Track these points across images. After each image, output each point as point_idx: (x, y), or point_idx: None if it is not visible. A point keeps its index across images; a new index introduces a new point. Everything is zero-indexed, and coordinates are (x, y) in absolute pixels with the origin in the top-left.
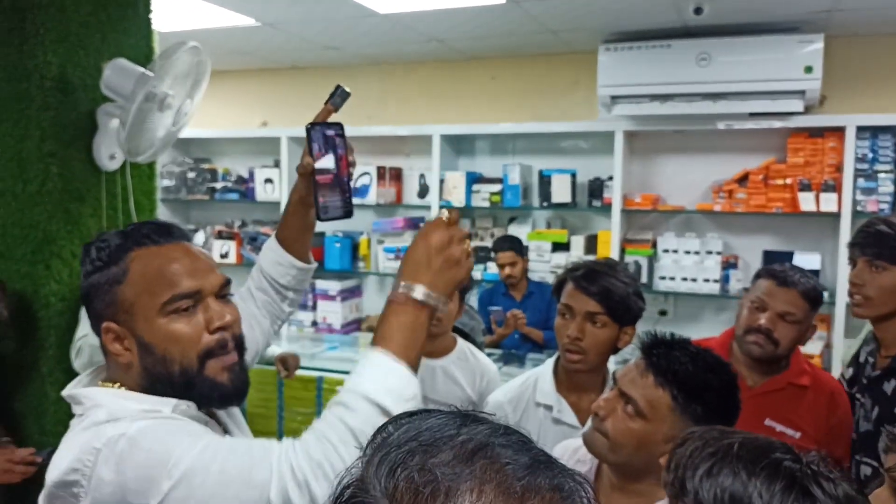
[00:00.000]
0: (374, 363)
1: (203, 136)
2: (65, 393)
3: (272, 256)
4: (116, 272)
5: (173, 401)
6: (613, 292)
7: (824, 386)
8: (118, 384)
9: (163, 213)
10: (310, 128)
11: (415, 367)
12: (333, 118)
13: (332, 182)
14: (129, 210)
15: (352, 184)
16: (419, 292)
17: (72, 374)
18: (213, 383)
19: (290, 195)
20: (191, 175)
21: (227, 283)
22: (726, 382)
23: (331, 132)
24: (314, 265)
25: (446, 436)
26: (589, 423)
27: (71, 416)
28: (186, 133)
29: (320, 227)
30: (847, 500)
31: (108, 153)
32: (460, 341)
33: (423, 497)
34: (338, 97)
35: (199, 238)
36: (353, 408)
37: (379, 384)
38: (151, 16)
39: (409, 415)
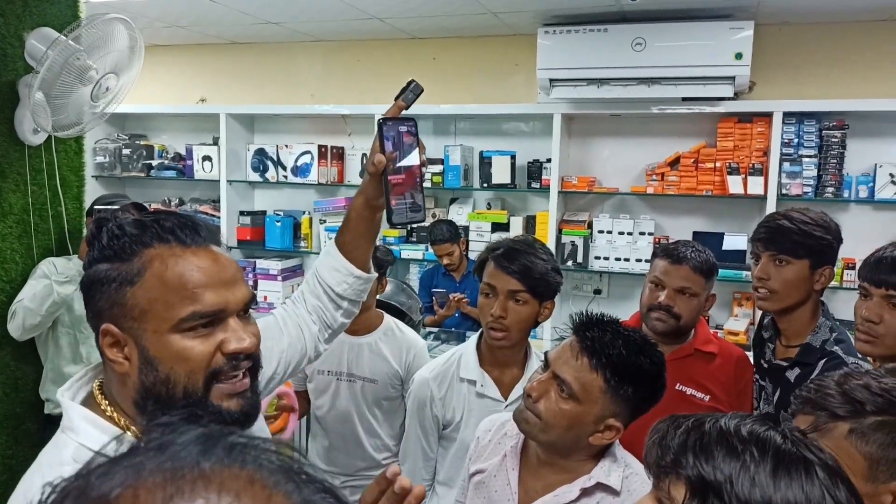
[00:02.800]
0: None
1: (139, 112)
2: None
3: (330, 262)
4: (130, 270)
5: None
6: (533, 270)
7: (731, 353)
8: (107, 402)
9: (95, 190)
10: (382, 122)
11: None
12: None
13: (404, 183)
14: (56, 186)
15: (425, 185)
16: None
17: None
18: (218, 410)
19: (354, 198)
20: (126, 151)
21: (253, 298)
22: (656, 364)
23: (404, 128)
24: (374, 275)
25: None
26: (513, 398)
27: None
28: (121, 108)
29: (260, 204)
30: (835, 463)
31: (31, 126)
32: (386, 317)
33: None
34: (410, 93)
35: None
36: None
37: None
38: None
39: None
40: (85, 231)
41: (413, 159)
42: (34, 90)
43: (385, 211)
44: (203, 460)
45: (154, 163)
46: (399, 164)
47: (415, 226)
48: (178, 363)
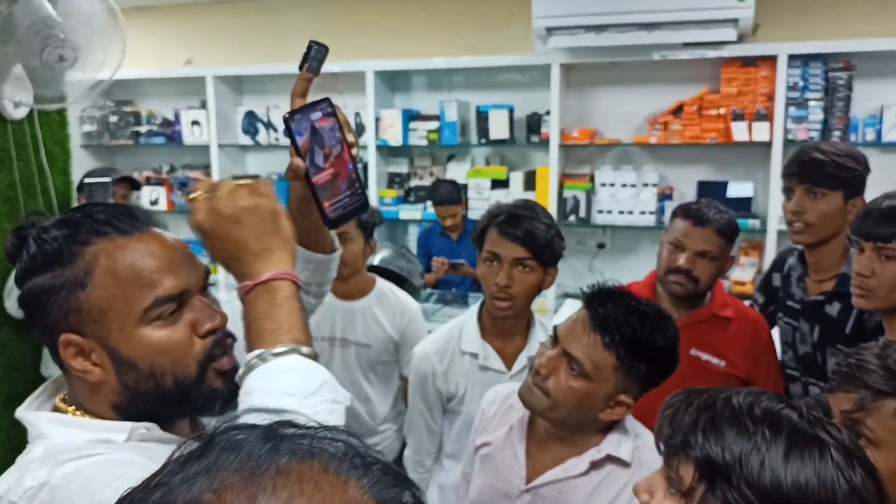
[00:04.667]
0: (262, 370)
1: (124, 77)
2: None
3: None
4: (75, 273)
5: (129, 424)
6: (538, 236)
7: (747, 316)
8: (74, 408)
9: (85, 160)
10: (287, 117)
11: (308, 342)
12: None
13: (334, 176)
14: (41, 161)
15: (358, 166)
16: (287, 274)
17: None
18: (212, 391)
19: (288, 200)
20: (113, 119)
21: (208, 272)
22: (670, 339)
23: (316, 114)
24: (337, 252)
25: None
26: (517, 369)
27: None
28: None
29: (253, 168)
30: (852, 444)
31: (13, 100)
32: (379, 280)
33: None
34: (313, 59)
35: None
36: None
37: (273, 390)
38: None
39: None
40: (74, 204)
41: (337, 146)
42: None
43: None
44: (277, 456)
45: (142, 129)
46: (320, 161)
47: (412, 185)
48: (159, 356)
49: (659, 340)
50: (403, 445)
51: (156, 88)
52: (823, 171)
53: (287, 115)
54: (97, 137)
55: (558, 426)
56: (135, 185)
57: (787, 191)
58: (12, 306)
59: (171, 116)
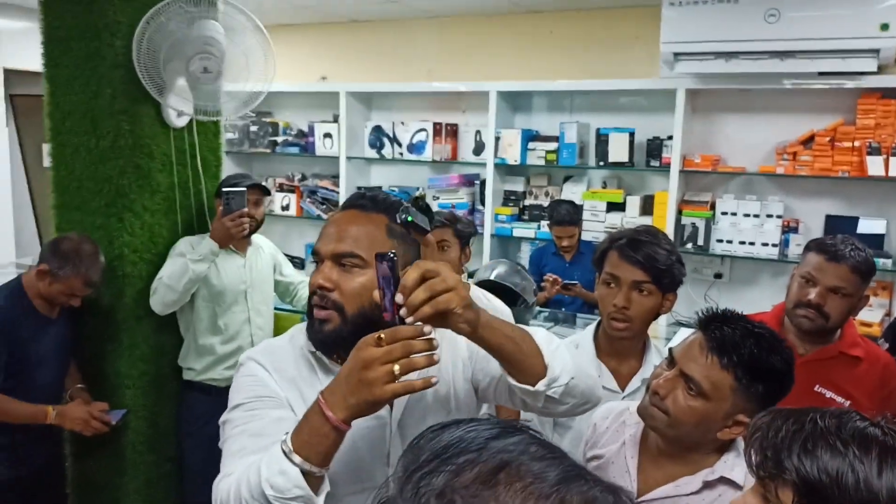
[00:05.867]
0: (275, 454)
1: None
2: None
3: None
4: None
5: (310, 346)
6: (658, 260)
7: (878, 358)
8: None
9: (227, 166)
10: (375, 256)
11: (315, 463)
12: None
13: (390, 322)
14: (196, 166)
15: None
16: (326, 407)
17: (143, 322)
18: (312, 326)
19: None
20: (253, 128)
21: (347, 255)
22: (787, 361)
23: (383, 265)
24: (533, 389)
25: (471, 451)
26: (630, 389)
27: (144, 359)
28: (248, 87)
29: (376, 180)
30: None
31: (176, 109)
32: (473, 287)
33: None
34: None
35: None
36: (250, 482)
37: (266, 475)
38: None
39: (442, 426)
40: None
41: (389, 296)
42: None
43: None
44: None
45: (279, 139)
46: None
47: (527, 204)
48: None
49: (776, 362)
50: None
51: (293, 101)
52: None
53: (376, 255)
54: (238, 145)
55: (674, 444)
56: (266, 192)
57: None
58: (155, 304)
59: (305, 128)
